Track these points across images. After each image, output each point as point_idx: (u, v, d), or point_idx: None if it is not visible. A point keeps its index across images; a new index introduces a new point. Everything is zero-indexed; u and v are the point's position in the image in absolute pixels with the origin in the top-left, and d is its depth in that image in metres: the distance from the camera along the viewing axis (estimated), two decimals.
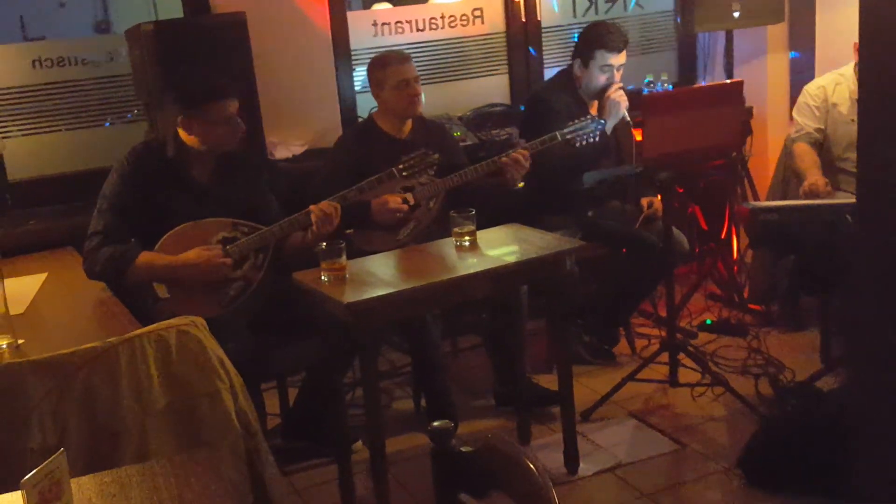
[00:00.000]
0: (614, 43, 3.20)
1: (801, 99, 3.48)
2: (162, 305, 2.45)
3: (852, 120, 3.22)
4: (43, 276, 2.63)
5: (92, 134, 3.51)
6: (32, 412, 1.72)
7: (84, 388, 1.77)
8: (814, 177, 3.25)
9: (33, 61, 3.39)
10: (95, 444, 1.76)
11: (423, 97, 3.03)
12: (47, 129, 3.46)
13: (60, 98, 3.45)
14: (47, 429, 1.72)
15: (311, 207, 2.56)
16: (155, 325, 1.91)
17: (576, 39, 3.40)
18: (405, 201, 2.91)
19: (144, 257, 2.46)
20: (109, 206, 2.52)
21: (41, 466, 1.26)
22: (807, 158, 3.36)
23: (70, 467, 1.32)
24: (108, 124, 3.54)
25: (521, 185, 2.99)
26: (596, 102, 3.30)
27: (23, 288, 2.48)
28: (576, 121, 3.00)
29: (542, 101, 3.31)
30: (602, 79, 3.24)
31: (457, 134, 3.54)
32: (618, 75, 3.25)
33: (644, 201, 3.33)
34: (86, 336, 1.98)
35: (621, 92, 3.21)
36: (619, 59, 3.23)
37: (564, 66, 3.47)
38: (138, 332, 1.88)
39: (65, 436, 1.73)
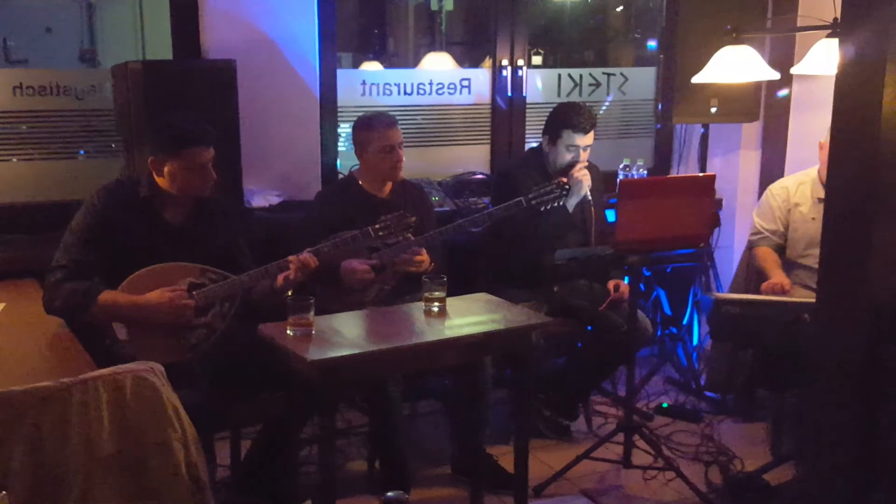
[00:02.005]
0: (581, 124, 3.26)
1: (763, 198, 3.58)
2: (121, 347, 2.40)
3: (813, 218, 3.33)
4: (0, 306, 2.57)
5: (66, 165, 3.46)
6: None
7: (32, 428, 1.71)
8: (778, 277, 3.32)
9: (14, 88, 3.35)
10: (38, 487, 1.69)
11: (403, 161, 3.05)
12: (21, 157, 3.41)
13: (38, 126, 3.41)
14: None
15: (291, 258, 2.55)
16: (111, 369, 1.86)
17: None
18: (373, 268, 2.91)
19: (106, 296, 2.42)
20: (76, 240, 2.48)
21: None
22: (769, 258, 3.45)
23: None
24: (82, 152, 3.50)
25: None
26: (563, 179, 3.37)
27: None
28: (539, 186, 3.04)
29: (510, 176, 3.37)
30: (568, 157, 3.30)
31: (434, 199, 3.58)
32: (584, 155, 3.32)
33: (611, 284, 3.36)
34: (39, 373, 1.93)
35: (585, 171, 3.27)
36: (585, 139, 3.29)
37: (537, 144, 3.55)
38: (94, 374, 1.84)
39: (7, 477, 1.66)
